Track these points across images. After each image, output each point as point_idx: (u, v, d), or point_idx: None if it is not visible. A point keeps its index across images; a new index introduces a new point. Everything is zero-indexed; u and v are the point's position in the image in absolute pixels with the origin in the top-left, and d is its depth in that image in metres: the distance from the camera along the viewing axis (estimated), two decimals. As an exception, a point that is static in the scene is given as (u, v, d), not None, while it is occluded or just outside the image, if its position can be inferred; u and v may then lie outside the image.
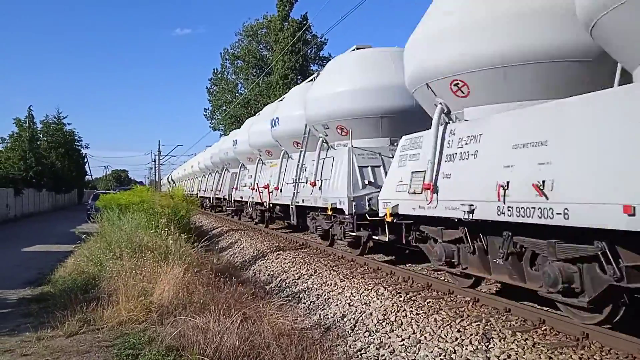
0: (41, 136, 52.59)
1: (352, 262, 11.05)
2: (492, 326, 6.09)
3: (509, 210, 5.89)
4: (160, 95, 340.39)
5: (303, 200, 13.30)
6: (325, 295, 8.59)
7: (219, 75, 56.12)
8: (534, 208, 5.53)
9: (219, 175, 28.60)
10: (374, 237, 10.61)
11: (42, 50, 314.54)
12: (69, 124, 58.52)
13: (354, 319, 7.15)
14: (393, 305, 7.25)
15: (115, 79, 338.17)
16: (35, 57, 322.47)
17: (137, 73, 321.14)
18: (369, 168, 10.84)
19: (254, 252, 14.27)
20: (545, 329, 5.90)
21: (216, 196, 28.39)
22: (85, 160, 68.29)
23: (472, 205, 6.55)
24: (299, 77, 41.30)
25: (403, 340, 6.06)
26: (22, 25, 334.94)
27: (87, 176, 77.49)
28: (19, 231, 26.05)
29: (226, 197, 25.59)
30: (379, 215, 9.21)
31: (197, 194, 36.04)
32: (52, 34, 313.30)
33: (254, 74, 50.60)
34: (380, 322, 6.78)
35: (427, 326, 6.31)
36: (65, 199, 58.53)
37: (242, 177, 21.90)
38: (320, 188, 12.11)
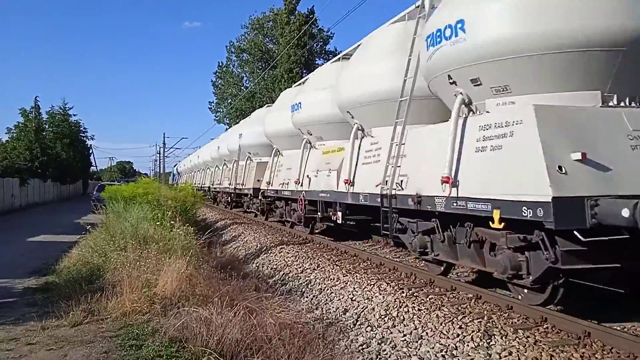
0: (47, 127, 52.72)
1: (355, 257, 11.07)
2: (493, 323, 6.10)
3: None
4: (166, 88, 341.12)
5: (236, 188, 23.52)
6: (327, 289, 8.62)
7: (224, 69, 56.08)
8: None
9: (203, 172, 39.93)
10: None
11: (50, 40, 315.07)
12: (74, 115, 58.83)
13: (356, 313, 7.17)
14: (395, 301, 7.27)
15: (121, 71, 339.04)
16: (43, 48, 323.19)
17: (143, 65, 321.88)
18: (266, 174, 18.31)
19: (257, 246, 14.31)
20: (547, 327, 5.91)
21: (203, 188, 38.06)
22: (91, 151, 68.54)
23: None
24: (304, 71, 41.22)
25: (405, 335, 6.09)
26: (30, 16, 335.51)
27: (92, 167, 77.72)
28: (24, 221, 26.21)
29: (206, 188, 36.35)
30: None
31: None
32: (59, 25, 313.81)
33: (260, 67, 50.56)
34: (382, 317, 6.80)
35: (429, 322, 6.33)
36: (70, 189, 58.80)
37: (217, 174, 32.08)
38: (244, 182, 21.72)
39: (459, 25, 6.85)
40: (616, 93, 6.29)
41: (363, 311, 7.19)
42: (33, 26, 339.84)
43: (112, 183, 33.77)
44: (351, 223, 12.72)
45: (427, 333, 6.05)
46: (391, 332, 6.28)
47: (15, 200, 36.27)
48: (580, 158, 5.47)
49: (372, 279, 8.66)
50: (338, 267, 10.06)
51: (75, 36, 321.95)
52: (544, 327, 5.93)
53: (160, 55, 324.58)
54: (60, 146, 52.47)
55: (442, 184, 6.97)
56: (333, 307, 7.67)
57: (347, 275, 9.18)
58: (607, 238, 5.26)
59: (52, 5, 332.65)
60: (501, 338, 5.62)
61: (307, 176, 13.45)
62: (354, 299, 7.81)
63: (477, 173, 6.61)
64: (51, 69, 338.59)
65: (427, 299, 7.33)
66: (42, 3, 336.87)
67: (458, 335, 5.83)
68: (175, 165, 74.72)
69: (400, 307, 7.01)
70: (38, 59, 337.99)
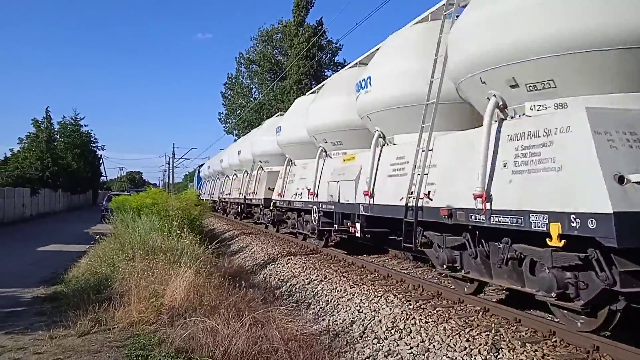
0: (58, 137, 53.31)
1: (362, 269, 11.04)
2: (501, 336, 6.05)
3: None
4: (176, 99, 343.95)
5: (211, 196, 33.63)
6: (334, 301, 8.60)
7: (233, 80, 56.52)
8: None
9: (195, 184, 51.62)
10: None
11: (62, 51, 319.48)
12: (85, 125, 59.42)
13: (362, 325, 7.15)
14: (402, 313, 7.24)
15: (132, 81, 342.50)
16: (55, 59, 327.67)
17: (154, 76, 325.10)
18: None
19: (264, 257, 14.32)
20: (556, 341, 5.85)
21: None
22: (101, 161, 69.11)
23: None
24: (313, 83, 41.42)
25: (412, 348, 6.05)
26: (42, 26, 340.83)
27: (102, 177, 78.32)
28: (34, 230, 26.42)
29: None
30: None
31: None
32: (71, 36, 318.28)
33: (269, 78, 50.85)
34: (389, 329, 6.77)
35: (436, 335, 6.29)
36: (81, 199, 59.24)
37: (207, 186, 42.37)
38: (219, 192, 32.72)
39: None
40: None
41: (370, 323, 7.16)
42: (45, 37, 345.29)
43: (119, 193, 33.83)
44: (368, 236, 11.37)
45: (434, 346, 6.01)
46: (398, 345, 6.24)
47: (26, 209, 36.58)
48: None
49: (380, 291, 8.63)
50: (345, 278, 10.03)
51: (86, 47, 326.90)
52: (552, 340, 5.87)
53: (171, 66, 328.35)
54: (71, 156, 53.00)
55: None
56: (340, 319, 7.65)
57: (354, 287, 9.15)
58: None
59: (64, 16, 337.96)
60: (509, 351, 5.57)
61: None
62: (360, 310, 7.78)
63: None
64: (63, 79, 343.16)
65: (435, 312, 7.29)
66: (53, 14, 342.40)
67: (465, 348, 5.79)
68: (200, 166, 66.05)
69: (407, 319, 6.98)
70: (50, 69, 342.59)
